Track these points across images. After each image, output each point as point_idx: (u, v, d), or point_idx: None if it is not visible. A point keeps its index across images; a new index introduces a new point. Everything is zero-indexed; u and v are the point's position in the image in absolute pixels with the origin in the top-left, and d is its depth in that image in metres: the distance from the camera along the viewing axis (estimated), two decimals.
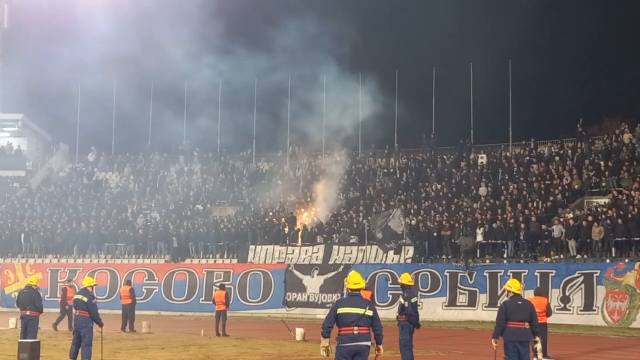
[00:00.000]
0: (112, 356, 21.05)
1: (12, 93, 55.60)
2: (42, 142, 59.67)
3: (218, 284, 35.16)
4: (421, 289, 35.91)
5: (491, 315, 34.48)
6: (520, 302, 14.53)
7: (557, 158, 43.62)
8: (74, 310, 18.24)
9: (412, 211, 41.79)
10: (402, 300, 18.15)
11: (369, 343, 12.25)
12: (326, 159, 51.43)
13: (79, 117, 56.20)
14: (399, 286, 20.20)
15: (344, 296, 12.73)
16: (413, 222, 40.26)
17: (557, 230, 36.10)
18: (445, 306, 36.35)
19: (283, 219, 44.03)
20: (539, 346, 19.87)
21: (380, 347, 12.49)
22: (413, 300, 17.99)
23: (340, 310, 12.24)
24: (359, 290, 12.60)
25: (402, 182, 46.29)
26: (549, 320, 20.91)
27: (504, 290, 34.94)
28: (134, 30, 48.22)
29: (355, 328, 12.10)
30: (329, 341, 12.38)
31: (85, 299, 18.26)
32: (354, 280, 12.61)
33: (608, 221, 35.05)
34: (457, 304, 36.22)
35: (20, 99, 55.27)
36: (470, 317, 35.41)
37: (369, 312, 12.25)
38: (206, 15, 48.51)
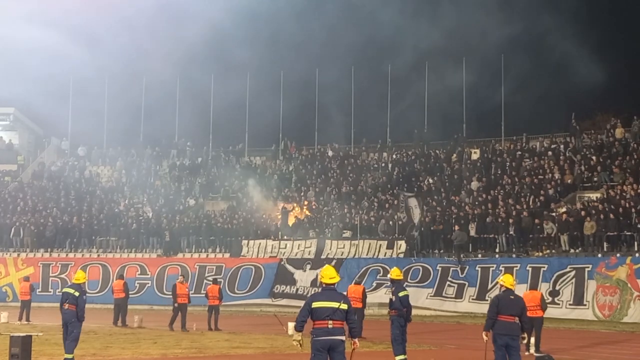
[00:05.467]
0: (104, 350, 21.00)
1: (4, 86, 55.29)
2: (34, 136, 59.44)
3: (211, 279, 35.10)
4: (410, 280, 35.70)
5: (482, 308, 34.62)
6: (512, 297, 14.60)
7: (549, 153, 43.69)
8: (65, 305, 18.03)
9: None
10: (391, 295, 18.20)
11: (343, 337, 12.18)
12: (319, 153, 51.42)
13: (71, 111, 56.05)
14: (386, 276, 20.28)
15: (319, 290, 12.56)
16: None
17: (549, 224, 36.16)
18: (431, 296, 36.23)
19: (276, 214, 44.00)
20: (532, 340, 20.00)
21: (356, 341, 12.44)
22: (402, 294, 17.99)
23: (315, 305, 12.18)
24: (333, 284, 12.51)
25: (394, 177, 46.30)
26: None
27: (495, 285, 35.02)
28: (130, 24, 48.04)
29: (330, 322, 12.05)
30: (301, 335, 12.34)
31: (77, 294, 18.15)
32: (329, 274, 12.51)
33: (601, 215, 35.15)
34: (444, 295, 36.11)
35: (12, 92, 54.99)
36: (460, 309, 35.39)
37: (344, 306, 12.19)
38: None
